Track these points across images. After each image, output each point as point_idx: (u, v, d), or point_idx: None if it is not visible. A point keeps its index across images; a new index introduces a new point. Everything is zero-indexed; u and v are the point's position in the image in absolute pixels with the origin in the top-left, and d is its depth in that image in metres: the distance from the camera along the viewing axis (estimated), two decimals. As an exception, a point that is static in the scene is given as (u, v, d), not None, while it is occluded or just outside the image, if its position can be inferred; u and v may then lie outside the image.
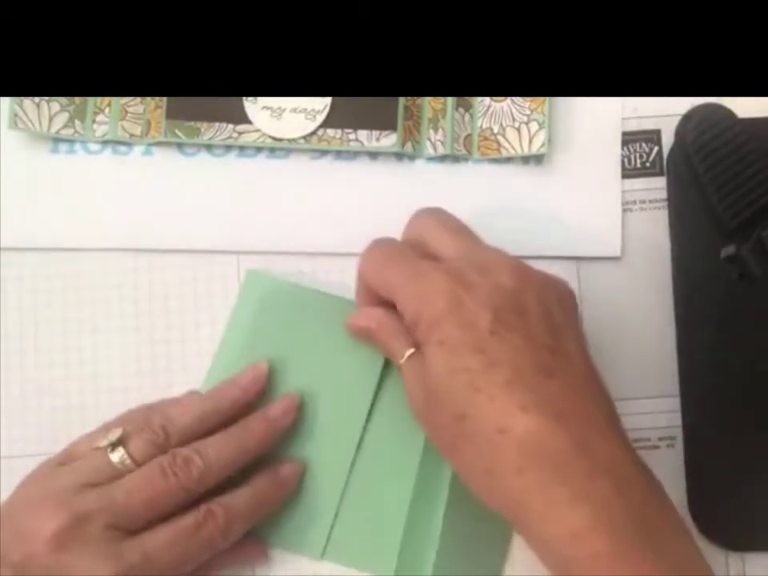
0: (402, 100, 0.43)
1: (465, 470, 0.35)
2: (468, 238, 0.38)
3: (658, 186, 0.44)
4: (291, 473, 0.41)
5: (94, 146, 0.44)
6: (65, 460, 0.39)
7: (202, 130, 0.43)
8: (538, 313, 0.35)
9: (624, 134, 0.44)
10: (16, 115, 0.42)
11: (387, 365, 0.41)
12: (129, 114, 0.43)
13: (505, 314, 0.34)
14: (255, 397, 0.41)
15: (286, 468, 0.41)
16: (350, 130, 0.43)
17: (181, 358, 0.43)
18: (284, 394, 0.41)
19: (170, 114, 0.43)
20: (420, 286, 0.35)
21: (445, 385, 0.34)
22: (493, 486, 0.34)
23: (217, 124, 0.43)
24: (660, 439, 0.43)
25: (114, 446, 0.38)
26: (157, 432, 0.38)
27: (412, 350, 0.36)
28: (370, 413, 0.42)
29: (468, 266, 0.36)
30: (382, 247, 0.39)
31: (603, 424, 0.34)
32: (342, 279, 0.43)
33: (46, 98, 0.43)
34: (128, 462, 0.37)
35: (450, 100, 0.43)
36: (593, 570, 0.32)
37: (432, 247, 0.38)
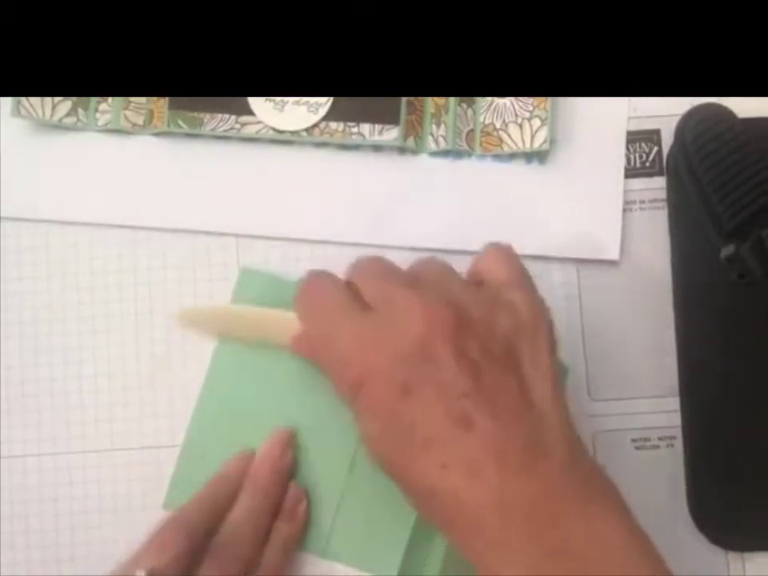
0: (404, 94, 0.43)
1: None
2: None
3: (657, 186, 0.44)
4: (297, 497, 0.40)
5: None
6: None
7: (205, 120, 0.43)
8: (449, 359, 0.33)
9: (624, 133, 0.44)
10: (19, 103, 0.42)
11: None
12: (132, 104, 0.43)
13: (414, 368, 0.33)
14: (244, 473, 0.40)
15: (290, 496, 0.40)
16: (352, 124, 0.42)
17: (181, 344, 0.43)
18: (274, 431, 0.41)
19: (173, 104, 0.43)
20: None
21: (375, 450, 0.34)
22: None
23: (219, 115, 0.43)
24: (660, 439, 0.43)
25: None
26: (180, 544, 0.36)
27: None
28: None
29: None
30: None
31: (524, 460, 0.32)
32: (341, 266, 0.43)
33: (49, 87, 0.43)
34: None
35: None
36: None
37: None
